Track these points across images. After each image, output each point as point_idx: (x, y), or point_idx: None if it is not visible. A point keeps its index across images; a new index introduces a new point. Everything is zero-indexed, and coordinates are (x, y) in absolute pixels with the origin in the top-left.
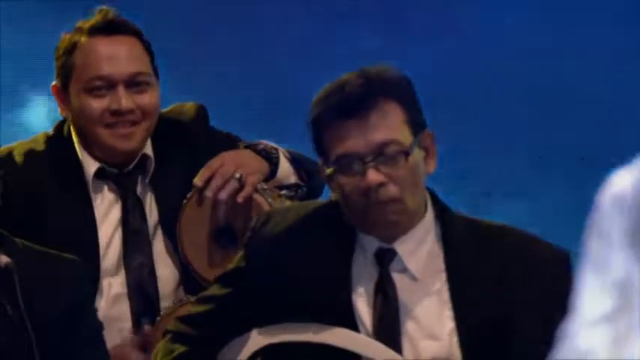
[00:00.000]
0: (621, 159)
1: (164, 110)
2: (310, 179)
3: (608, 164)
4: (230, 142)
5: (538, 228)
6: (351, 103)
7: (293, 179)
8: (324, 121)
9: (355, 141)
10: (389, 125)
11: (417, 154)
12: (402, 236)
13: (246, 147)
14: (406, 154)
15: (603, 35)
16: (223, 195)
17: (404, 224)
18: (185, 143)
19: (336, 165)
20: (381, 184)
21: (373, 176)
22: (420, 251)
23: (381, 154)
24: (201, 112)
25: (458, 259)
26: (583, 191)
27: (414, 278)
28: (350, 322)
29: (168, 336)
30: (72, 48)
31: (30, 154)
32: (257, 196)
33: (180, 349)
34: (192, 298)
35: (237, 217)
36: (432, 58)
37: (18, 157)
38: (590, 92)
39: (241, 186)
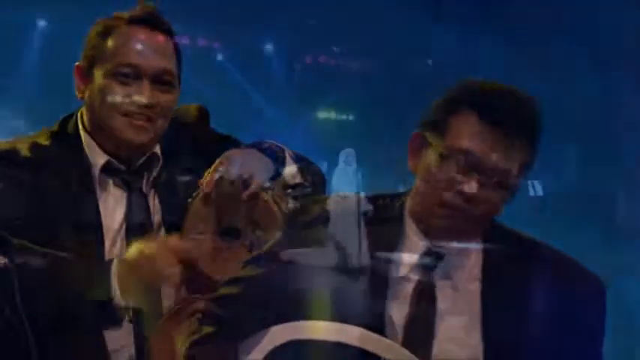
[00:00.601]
0: None
1: None
2: (312, 181)
3: None
4: (230, 144)
5: None
6: (504, 119)
7: (298, 179)
8: (469, 111)
9: (483, 149)
10: (515, 158)
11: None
12: (453, 245)
13: (252, 146)
14: (510, 190)
15: None
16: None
17: (460, 236)
18: (188, 143)
19: (451, 153)
20: (474, 198)
21: (474, 187)
22: (466, 262)
23: (492, 176)
24: (203, 114)
25: (494, 271)
26: None
27: (455, 287)
28: (378, 318)
29: (197, 315)
30: (108, 32)
31: (34, 148)
32: (263, 194)
33: (206, 329)
34: (193, 298)
35: (241, 215)
36: None
37: (23, 151)
38: None
39: (247, 185)
